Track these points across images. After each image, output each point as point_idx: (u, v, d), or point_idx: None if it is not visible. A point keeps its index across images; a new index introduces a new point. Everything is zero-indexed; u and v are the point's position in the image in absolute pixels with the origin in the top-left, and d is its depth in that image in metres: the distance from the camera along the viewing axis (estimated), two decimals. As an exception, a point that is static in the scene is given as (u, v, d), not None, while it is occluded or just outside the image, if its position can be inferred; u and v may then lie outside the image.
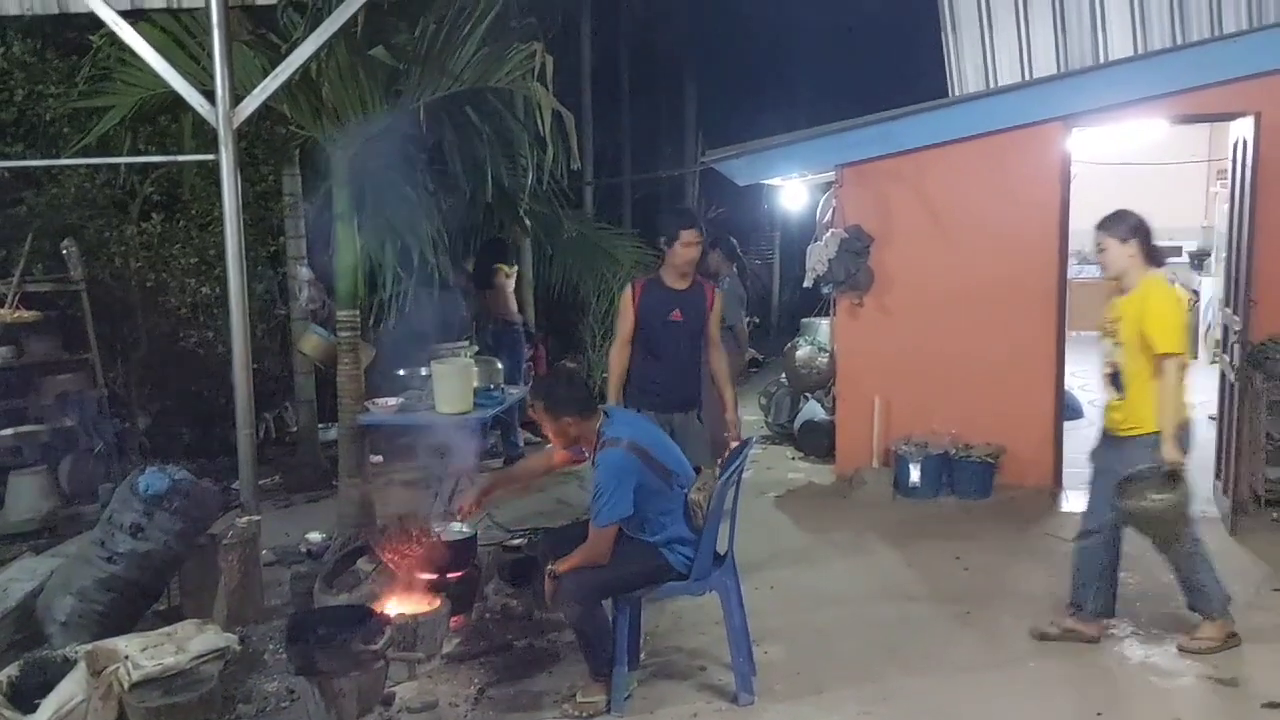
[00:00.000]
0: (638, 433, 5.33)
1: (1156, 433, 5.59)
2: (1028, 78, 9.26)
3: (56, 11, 7.72)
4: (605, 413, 5.42)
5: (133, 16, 7.09)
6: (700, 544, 5.25)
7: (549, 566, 5.26)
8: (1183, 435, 5.63)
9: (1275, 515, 7.81)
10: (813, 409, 10.65)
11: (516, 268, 11.21)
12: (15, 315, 8.24)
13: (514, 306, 11.05)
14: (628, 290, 6.85)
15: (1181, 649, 5.85)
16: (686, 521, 5.28)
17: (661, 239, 6.89)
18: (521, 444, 10.34)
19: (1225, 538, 7.57)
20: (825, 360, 10.86)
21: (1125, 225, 5.78)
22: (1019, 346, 8.72)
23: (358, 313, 7.58)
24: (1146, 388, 5.67)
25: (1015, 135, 8.65)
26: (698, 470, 5.57)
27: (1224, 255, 8.64)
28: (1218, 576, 5.90)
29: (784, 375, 11.52)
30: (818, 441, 10.26)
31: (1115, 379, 5.86)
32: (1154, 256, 5.81)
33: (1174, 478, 5.52)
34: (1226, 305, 8.23)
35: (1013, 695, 5.47)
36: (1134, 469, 5.60)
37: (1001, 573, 7.10)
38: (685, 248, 6.73)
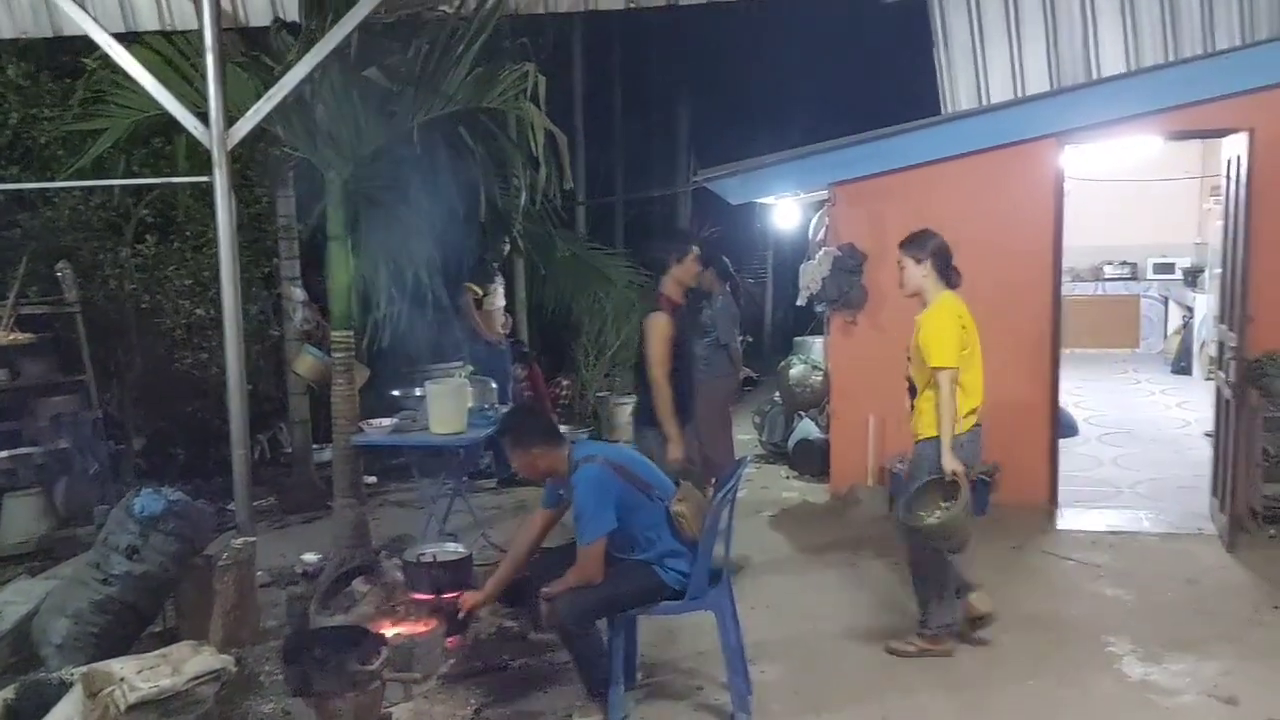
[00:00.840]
0: (610, 451, 5.36)
1: (935, 437, 5.91)
2: (1020, 95, 9.25)
3: (51, 34, 7.78)
4: (573, 441, 5.43)
5: (126, 39, 7.13)
6: (695, 562, 5.24)
7: (543, 589, 5.25)
8: (963, 445, 5.97)
9: (1273, 532, 7.81)
10: (807, 428, 10.64)
11: (496, 286, 11.07)
12: (10, 338, 8.25)
13: (493, 325, 10.94)
14: (664, 317, 6.93)
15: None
16: (673, 534, 5.27)
17: (671, 255, 7.07)
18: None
19: (1223, 555, 7.58)
20: (819, 379, 10.86)
21: (923, 246, 6.12)
22: (1013, 363, 8.72)
23: (352, 333, 7.58)
24: (928, 397, 6.01)
25: (1008, 152, 8.66)
26: (677, 484, 5.54)
27: (1218, 272, 8.66)
28: (954, 600, 6.17)
29: (778, 394, 11.53)
30: (812, 460, 10.24)
31: (911, 389, 6.19)
32: (949, 277, 6.18)
33: (954, 486, 5.80)
34: (1222, 322, 8.23)
35: (1012, 713, 5.46)
36: (918, 481, 5.96)
37: (999, 590, 7.05)
38: (694, 262, 7.07)
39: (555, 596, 5.16)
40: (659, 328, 6.92)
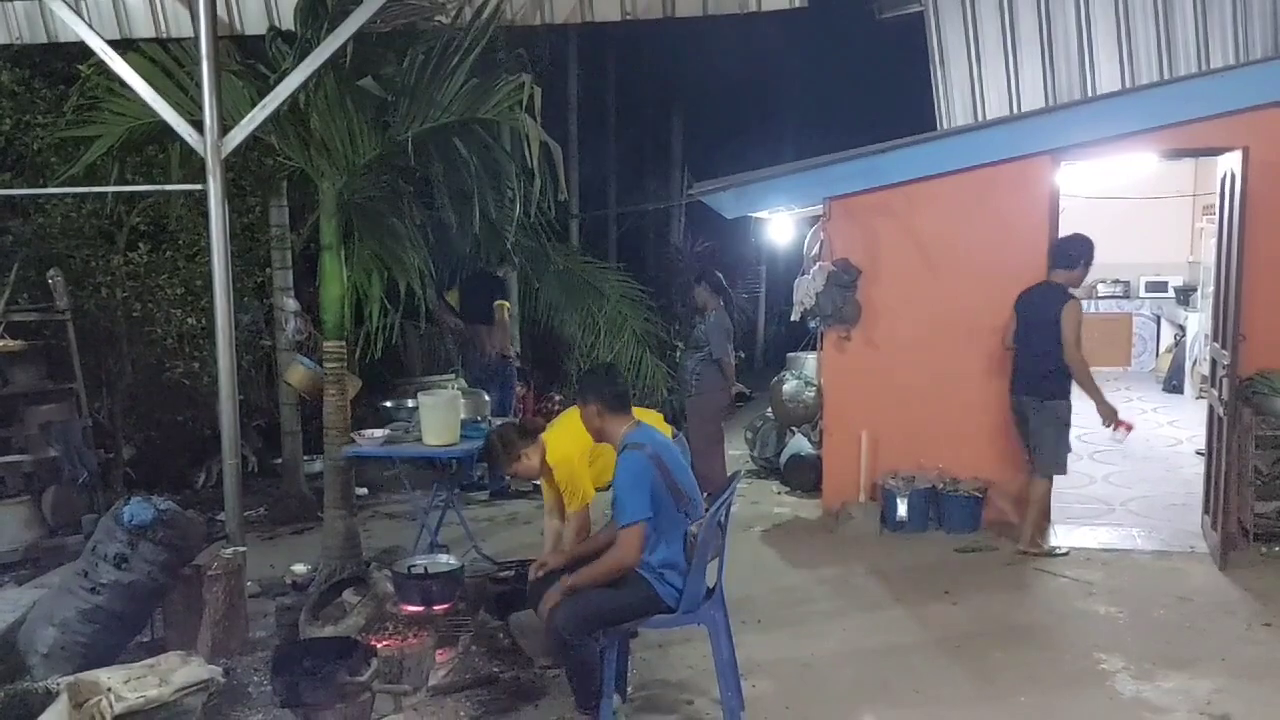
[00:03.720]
0: (661, 449, 5.28)
1: None
2: (1016, 111, 9.27)
3: (45, 40, 7.76)
4: (637, 423, 5.40)
5: (122, 46, 7.10)
6: (689, 576, 5.20)
7: (566, 579, 5.16)
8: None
9: (1264, 550, 7.80)
10: (799, 443, 10.63)
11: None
12: (0, 345, 8.20)
13: (505, 340, 11.12)
14: (1080, 305, 7.94)
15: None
16: (683, 549, 5.21)
17: (1079, 260, 8.00)
18: (508, 478, 10.27)
19: (1215, 573, 7.57)
20: (812, 395, 10.84)
21: (509, 447, 6.33)
22: (1007, 381, 8.71)
23: (344, 344, 7.56)
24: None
25: (1003, 169, 8.66)
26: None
27: (1211, 290, 8.66)
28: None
29: (770, 409, 11.51)
30: (804, 476, 10.23)
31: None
32: (530, 430, 6.48)
33: None
34: (1215, 340, 8.23)
35: (1003, 730, 5.45)
36: None
37: (991, 607, 7.08)
38: (1085, 268, 8.06)
39: (553, 609, 5.12)
40: (1077, 313, 7.84)
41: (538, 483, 6.96)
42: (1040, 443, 8.00)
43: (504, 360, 11.01)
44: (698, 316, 10.00)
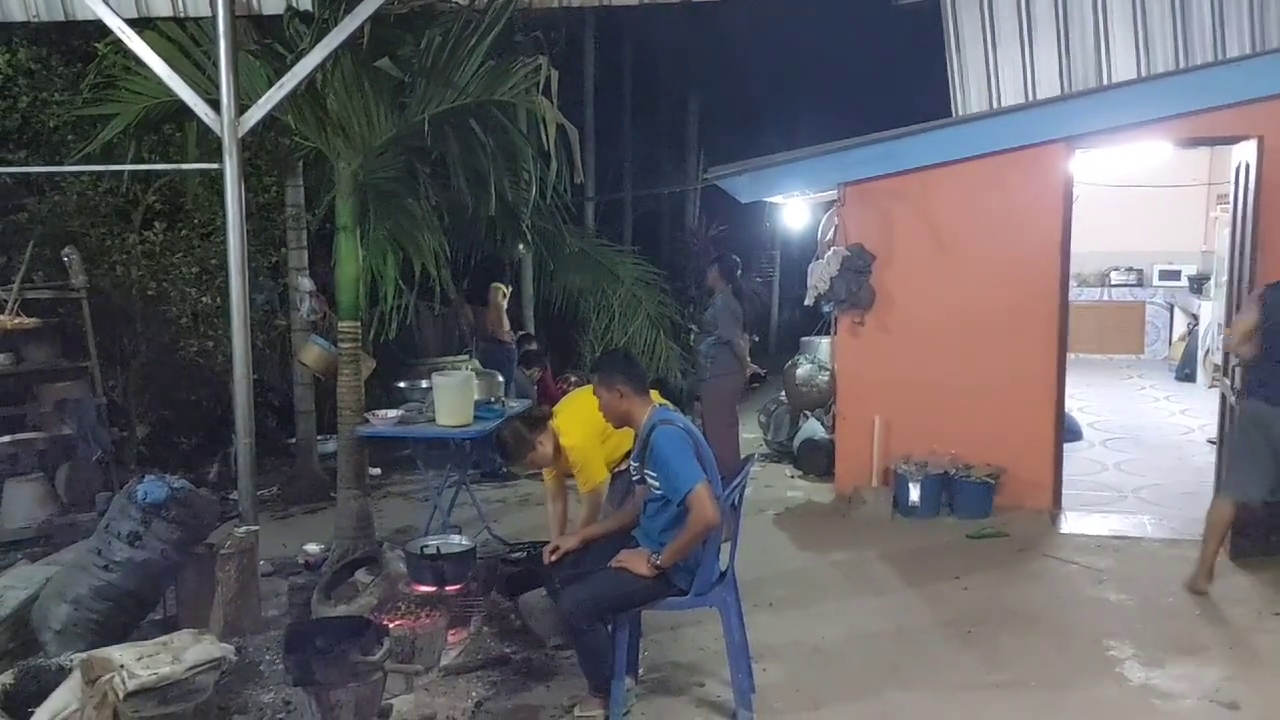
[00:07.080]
0: (691, 428, 5.30)
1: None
2: (1031, 98, 9.24)
3: (63, 18, 7.77)
4: (658, 405, 5.42)
5: (139, 24, 7.11)
6: (702, 559, 5.21)
7: (652, 559, 5.14)
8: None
9: (1274, 538, 7.77)
10: (812, 427, 10.64)
11: (511, 287, 11.23)
12: (15, 322, 8.23)
13: (506, 325, 11.06)
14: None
15: None
16: None
17: None
18: (497, 461, 10.22)
19: (1225, 561, 7.54)
20: (825, 379, 10.85)
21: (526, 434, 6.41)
22: (1019, 367, 8.70)
23: (359, 324, 7.58)
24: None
25: (1018, 156, 8.64)
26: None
27: (1224, 279, 8.63)
28: None
29: (783, 393, 11.52)
30: (817, 460, 10.24)
31: None
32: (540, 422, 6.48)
33: None
34: (1228, 329, 8.21)
35: (1012, 716, 5.43)
36: None
37: (1001, 593, 7.08)
38: None
39: (565, 590, 5.15)
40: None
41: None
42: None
43: (499, 344, 10.94)
44: (709, 300, 10.01)
